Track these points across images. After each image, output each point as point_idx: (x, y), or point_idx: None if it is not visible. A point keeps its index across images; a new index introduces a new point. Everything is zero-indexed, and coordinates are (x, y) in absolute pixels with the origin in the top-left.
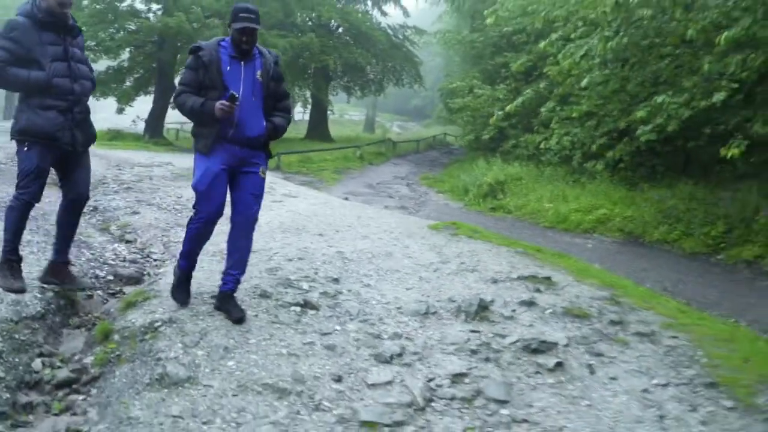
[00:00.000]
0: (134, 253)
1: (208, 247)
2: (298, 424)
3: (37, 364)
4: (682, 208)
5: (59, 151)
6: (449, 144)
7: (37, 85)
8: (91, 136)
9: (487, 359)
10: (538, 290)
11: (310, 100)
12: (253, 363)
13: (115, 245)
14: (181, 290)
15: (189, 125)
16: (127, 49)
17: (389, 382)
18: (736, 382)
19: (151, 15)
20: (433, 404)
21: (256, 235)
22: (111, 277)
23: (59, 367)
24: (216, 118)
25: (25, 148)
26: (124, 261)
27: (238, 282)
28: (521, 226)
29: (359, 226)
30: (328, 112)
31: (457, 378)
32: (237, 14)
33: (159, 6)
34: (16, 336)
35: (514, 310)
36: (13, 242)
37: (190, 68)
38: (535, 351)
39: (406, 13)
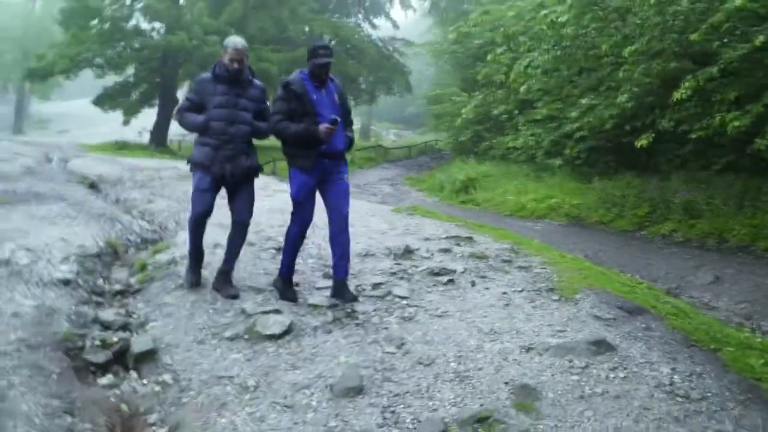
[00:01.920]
0: (153, 227)
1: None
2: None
3: (100, 282)
4: (619, 195)
5: (216, 179)
6: (441, 150)
7: (195, 127)
8: (245, 168)
9: (401, 278)
10: (457, 244)
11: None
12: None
13: (139, 221)
14: (288, 291)
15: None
16: (133, 65)
17: (328, 287)
18: (568, 288)
19: (154, 33)
20: (359, 298)
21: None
22: (139, 240)
23: (115, 284)
24: (319, 139)
25: (192, 173)
26: (147, 231)
27: (347, 271)
28: (484, 215)
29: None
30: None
31: (376, 286)
32: (316, 51)
33: (162, 25)
34: (85, 264)
35: (432, 254)
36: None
37: (282, 99)
38: (437, 274)
39: (395, 25)
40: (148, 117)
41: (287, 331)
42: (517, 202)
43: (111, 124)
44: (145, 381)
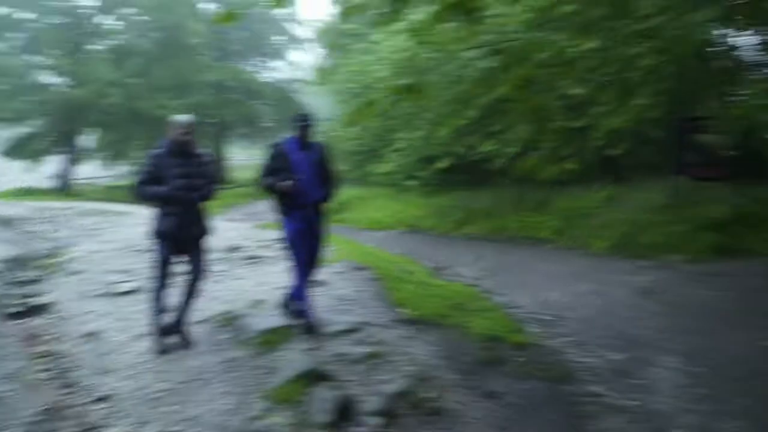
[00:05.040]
0: (56, 245)
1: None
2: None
3: (18, 274)
4: (446, 206)
5: (177, 246)
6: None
7: (159, 197)
8: (202, 232)
9: (224, 260)
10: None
11: (210, 151)
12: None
13: (45, 243)
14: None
15: (99, 180)
16: (38, 117)
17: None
18: (334, 261)
19: (58, 87)
20: None
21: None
22: (45, 254)
23: (29, 275)
24: (284, 190)
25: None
26: (50, 248)
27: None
28: (345, 230)
29: None
30: (230, 159)
31: None
32: (297, 119)
33: (65, 79)
34: (6, 265)
35: (254, 248)
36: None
37: (270, 157)
38: (250, 257)
39: (294, 67)
40: (53, 163)
41: (134, 290)
42: (373, 218)
43: (15, 172)
44: (45, 319)
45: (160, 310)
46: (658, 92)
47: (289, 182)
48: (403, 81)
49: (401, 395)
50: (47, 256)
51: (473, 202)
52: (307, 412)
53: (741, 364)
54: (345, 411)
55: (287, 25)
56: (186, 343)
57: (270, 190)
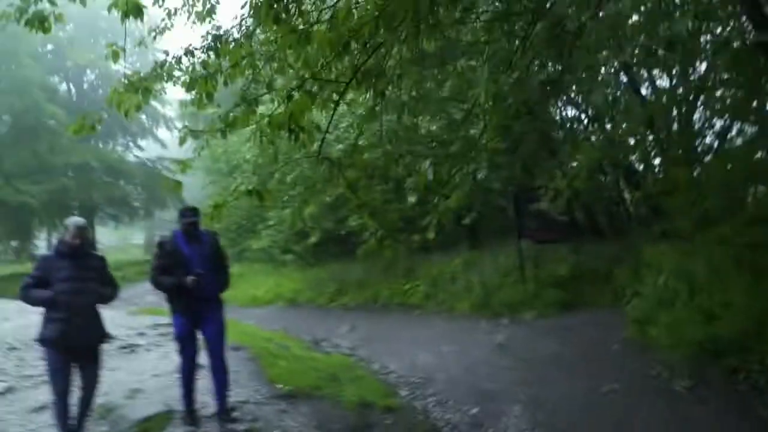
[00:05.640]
0: None
1: None
2: None
3: None
4: (323, 278)
5: (69, 353)
6: None
7: (42, 301)
8: (96, 338)
9: None
10: (155, 329)
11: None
12: None
13: None
14: (192, 416)
15: None
16: None
17: None
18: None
19: None
20: None
21: None
22: None
23: None
24: (189, 287)
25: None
26: None
27: (223, 405)
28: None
29: None
30: (100, 242)
31: None
32: (183, 213)
33: None
34: None
35: (129, 336)
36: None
37: (157, 256)
38: (124, 347)
39: (163, 145)
40: None
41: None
42: (253, 294)
43: None
44: None
45: (62, 421)
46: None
47: (192, 278)
48: (246, 186)
49: None
50: None
51: (347, 273)
52: None
53: (573, 409)
54: None
55: (155, 104)
56: None
57: (166, 289)
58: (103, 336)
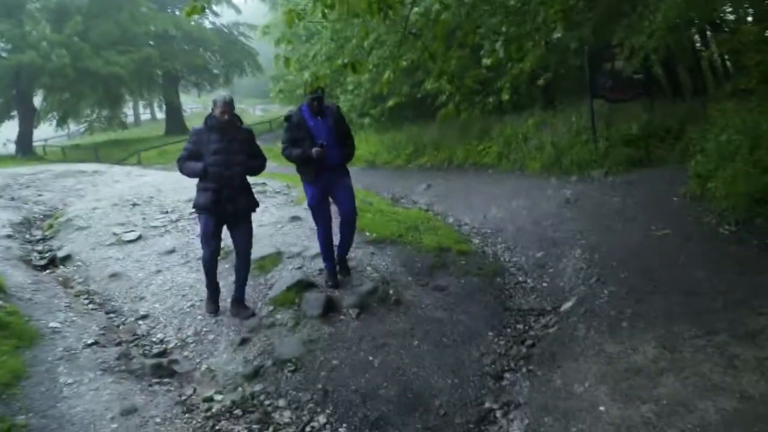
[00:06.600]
0: (48, 207)
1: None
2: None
3: (27, 236)
4: (400, 141)
5: (220, 220)
6: None
7: (195, 173)
8: (244, 207)
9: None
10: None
11: (163, 102)
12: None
13: (37, 206)
14: (333, 279)
15: (54, 140)
16: None
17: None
18: (300, 200)
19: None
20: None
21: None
22: (42, 216)
23: (36, 235)
24: (313, 159)
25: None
26: (44, 210)
27: (346, 251)
28: None
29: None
30: (184, 109)
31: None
32: (312, 96)
33: (8, 46)
34: (15, 228)
35: None
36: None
37: (286, 129)
38: None
39: (237, 10)
40: (9, 128)
41: (138, 238)
42: None
43: None
44: (69, 267)
45: (210, 280)
46: (571, 26)
47: (316, 149)
48: (342, 60)
49: (370, 293)
50: (46, 217)
51: (423, 135)
52: (301, 310)
53: (627, 249)
54: (330, 306)
55: None
56: (249, 314)
57: (295, 160)
58: (252, 204)
